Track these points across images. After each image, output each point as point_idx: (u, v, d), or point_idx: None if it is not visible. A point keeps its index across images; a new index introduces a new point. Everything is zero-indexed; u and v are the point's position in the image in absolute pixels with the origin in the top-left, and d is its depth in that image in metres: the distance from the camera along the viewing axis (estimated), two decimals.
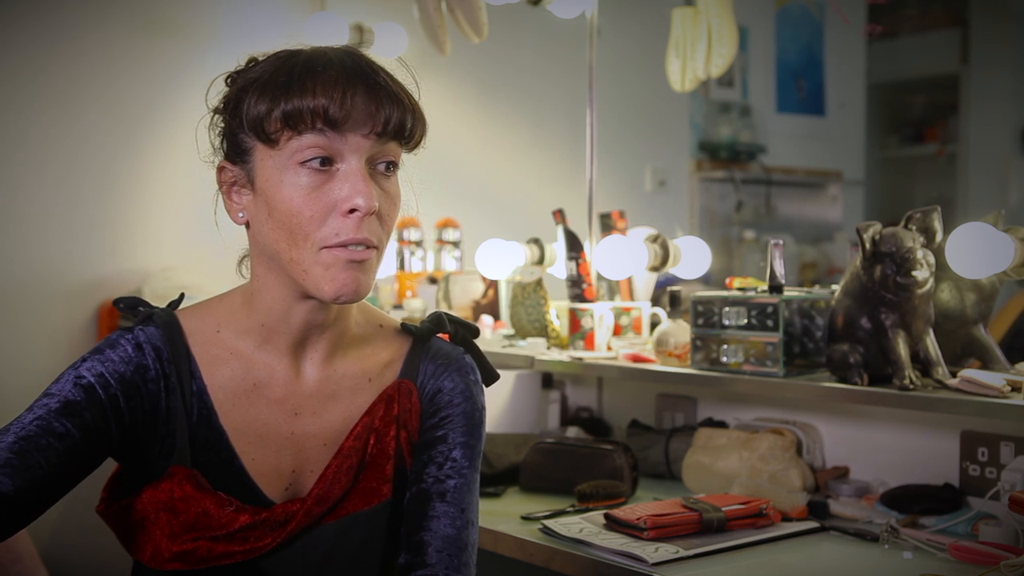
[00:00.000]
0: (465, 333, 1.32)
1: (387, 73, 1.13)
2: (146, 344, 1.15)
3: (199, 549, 1.14)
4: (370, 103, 1.09)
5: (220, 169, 1.16)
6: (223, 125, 1.16)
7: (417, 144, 1.18)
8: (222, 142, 1.16)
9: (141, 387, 1.14)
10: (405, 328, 1.30)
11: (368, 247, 1.12)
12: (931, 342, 1.79)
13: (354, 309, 1.25)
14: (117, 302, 1.22)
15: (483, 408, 1.32)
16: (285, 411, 1.20)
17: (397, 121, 1.11)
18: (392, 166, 1.15)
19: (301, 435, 1.20)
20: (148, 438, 1.15)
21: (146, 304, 1.21)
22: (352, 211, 1.09)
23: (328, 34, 3.20)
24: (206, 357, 1.18)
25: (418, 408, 1.26)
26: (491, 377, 1.35)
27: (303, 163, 1.09)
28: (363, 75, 1.10)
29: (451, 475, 1.25)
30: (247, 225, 1.17)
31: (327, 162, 1.10)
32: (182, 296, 1.26)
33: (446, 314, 1.33)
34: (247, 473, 1.18)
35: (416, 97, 1.16)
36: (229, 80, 1.16)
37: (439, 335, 1.31)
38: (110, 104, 2.98)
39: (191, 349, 1.18)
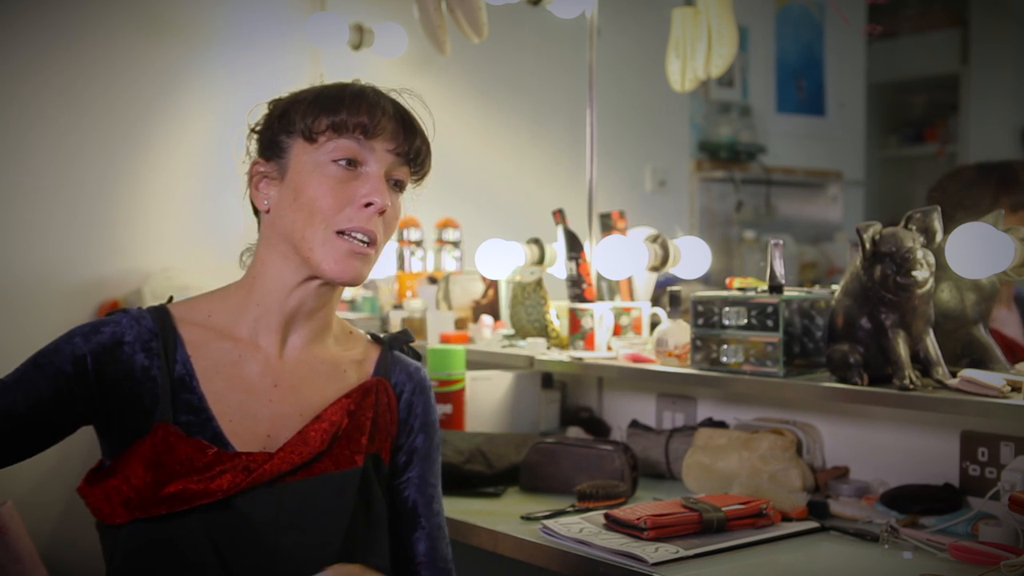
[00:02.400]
0: (412, 355, 1.51)
1: (415, 113, 1.38)
2: (127, 317, 1.32)
3: (183, 493, 1.25)
4: (399, 128, 1.35)
5: (254, 164, 1.37)
6: (262, 131, 1.37)
7: (422, 177, 1.41)
8: (259, 145, 1.38)
9: (115, 350, 1.29)
10: (374, 338, 1.48)
11: (370, 243, 1.32)
12: (931, 342, 1.79)
13: (336, 308, 1.42)
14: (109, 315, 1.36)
15: (436, 423, 1.50)
16: (265, 382, 1.35)
17: (416, 148, 1.36)
18: (399, 185, 1.37)
19: (278, 404, 1.35)
20: (121, 399, 1.29)
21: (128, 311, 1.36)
22: (368, 204, 1.31)
23: (328, 34, 3.20)
24: (193, 336, 1.34)
25: (395, 408, 1.43)
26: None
27: (335, 160, 1.31)
28: (398, 108, 1.37)
29: (434, 496, 1.46)
30: (267, 212, 1.36)
31: (354, 164, 1.32)
32: (171, 299, 1.40)
33: (407, 331, 1.54)
34: (223, 434, 1.30)
35: (431, 137, 1.39)
36: (272, 103, 1.38)
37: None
38: (110, 104, 2.98)
39: (178, 330, 1.33)
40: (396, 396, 1.44)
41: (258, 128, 1.39)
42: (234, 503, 1.27)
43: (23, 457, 1.28)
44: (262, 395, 1.34)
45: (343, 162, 1.31)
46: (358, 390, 1.39)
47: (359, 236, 1.31)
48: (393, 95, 1.38)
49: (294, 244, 1.32)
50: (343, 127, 1.32)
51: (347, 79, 1.39)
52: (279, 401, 1.35)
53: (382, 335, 1.49)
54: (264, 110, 1.39)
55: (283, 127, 1.35)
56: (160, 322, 1.32)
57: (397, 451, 1.44)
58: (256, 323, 1.35)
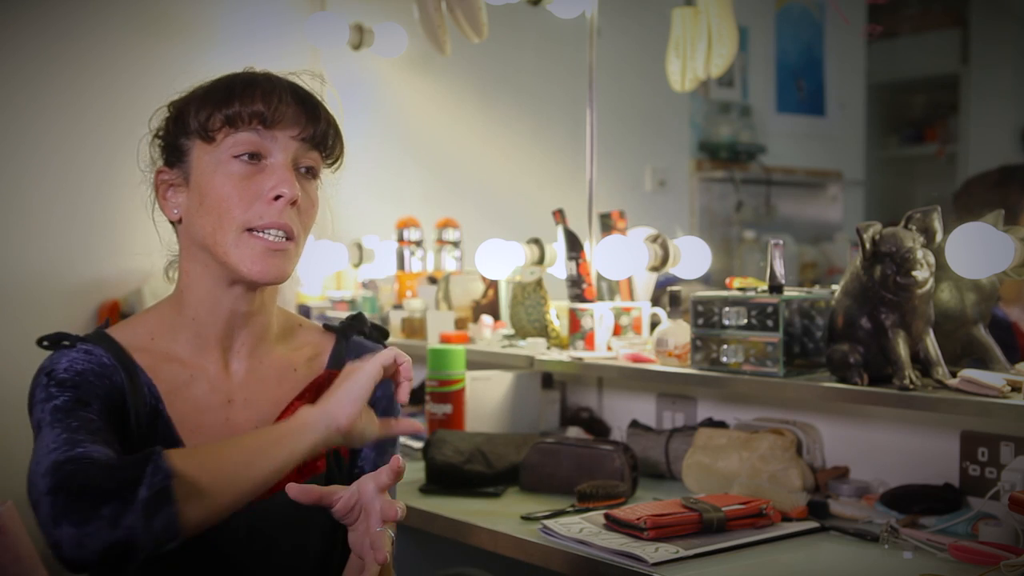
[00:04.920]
0: (378, 334, 1.47)
1: (316, 95, 1.32)
2: (93, 349, 1.27)
3: None
4: (299, 113, 1.28)
5: (158, 173, 1.33)
6: (163, 136, 1.33)
7: (337, 160, 1.36)
8: (162, 151, 1.33)
9: (105, 377, 1.24)
10: (328, 327, 1.45)
11: (287, 237, 1.26)
12: (931, 342, 1.79)
13: (275, 306, 1.38)
14: (40, 341, 1.29)
15: (398, 406, 1.42)
16: (218, 400, 1.32)
17: (320, 132, 1.30)
18: (311, 172, 1.31)
19: (235, 421, 1.32)
20: (115, 425, 1.23)
21: (68, 335, 1.29)
22: (277, 197, 1.25)
23: (328, 34, 3.20)
24: (145, 362, 1.30)
25: None
26: None
27: (236, 156, 1.26)
28: (295, 91, 1.30)
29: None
30: (179, 222, 1.32)
31: (257, 157, 1.26)
32: (107, 322, 1.36)
33: (365, 316, 1.49)
34: None
35: (339, 120, 1.33)
36: (170, 104, 1.34)
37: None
38: (110, 104, 2.98)
39: (131, 355, 1.29)
40: None
41: (159, 133, 1.34)
42: (204, 537, 1.18)
43: None
44: (218, 414, 1.31)
45: (245, 157, 1.26)
46: (310, 388, 1.36)
47: (272, 232, 1.25)
48: (292, 78, 1.32)
49: (210, 250, 1.27)
50: (238, 120, 1.25)
51: (239, 69, 1.34)
52: (235, 418, 1.32)
53: (337, 323, 1.45)
54: (164, 113, 1.34)
55: (180, 129, 1.30)
56: (112, 351, 1.28)
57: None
58: (195, 340, 1.32)
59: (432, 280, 2.99)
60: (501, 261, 2.64)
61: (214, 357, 1.33)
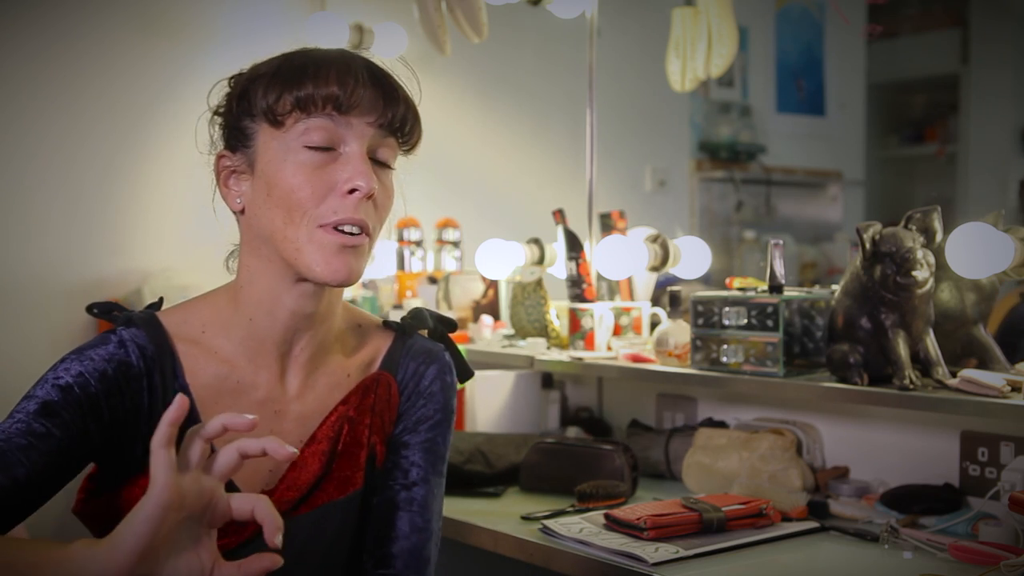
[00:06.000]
0: (443, 329, 1.36)
1: (394, 75, 1.19)
2: (129, 343, 1.16)
3: None
4: (377, 96, 1.15)
5: (219, 158, 1.19)
6: (225, 116, 1.19)
7: (414, 146, 1.23)
8: (223, 133, 1.20)
9: (123, 385, 1.14)
10: (387, 324, 1.33)
11: (362, 232, 1.15)
12: (931, 342, 1.79)
13: (340, 309, 1.27)
14: (90, 308, 1.22)
15: (453, 411, 1.34)
16: (267, 413, 1.21)
17: (400, 116, 1.17)
18: (388, 160, 1.19)
19: (280, 436, 1.20)
20: (131, 435, 1.16)
21: (120, 308, 1.21)
22: (352, 191, 1.13)
23: (328, 34, 3.20)
24: (190, 356, 1.19)
25: (396, 402, 1.29)
26: (466, 374, 1.37)
27: (308, 144, 1.13)
28: (373, 71, 1.16)
29: (417, 482, 1.28)
30: (241, 212, 1.19)
31: (330, 145, 1.14)
32: (161, 300, 1.26)
33: (427, 310, 1.37)
34: None
35: (417, 101, 1.20)
36: (233, 80, 1.20)
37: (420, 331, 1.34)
38: (110, 104, 2.98)
39: (175, 348, 1.19)
40: (399, 386, 1.29)
41: (219, 111, 1.20)
42: (235, 554, 1.15)
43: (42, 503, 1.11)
44: (263, 425, 1.18)
45: (319, 144, 1.13)
46: (356, 391, 1.26)
47: (347, 228, 1.13)
48: (366, 56, 1.19)
49: (277, 246, 1.15)
50: (311, 104, 1.13)
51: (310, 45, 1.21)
52: (280, 432, 1.21)
53: (398, 320, 1.33)
54: (225, 88, 1.21)
55: (244, 110, 1.16)
56: (156, 342, 1.17)
57: (394, 440, 1.29)
58: (248, 342, 1.20)
59: (432, 280, 2.99)
60: (501, 261, 2.64)
61: (268, 362, 1.21)
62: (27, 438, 1.07)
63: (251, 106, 1.15)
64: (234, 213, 1.21)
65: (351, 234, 1.14)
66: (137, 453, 1.16)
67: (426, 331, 1.35)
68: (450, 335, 1.37)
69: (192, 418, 1.17)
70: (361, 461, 1.24)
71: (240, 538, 1.17)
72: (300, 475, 1.21)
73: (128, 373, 1.15)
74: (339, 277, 1.14)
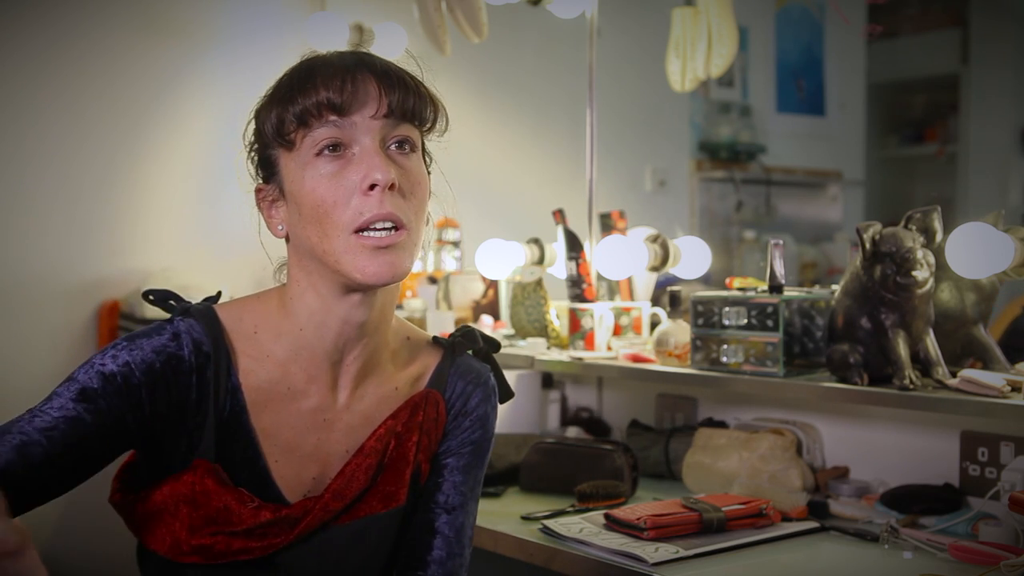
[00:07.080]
0: (488, 349, 1.36)
1: (387, 61, 1.18)
2: (185, 335, 1.16)
3: (217, 543, 1.15)
4: (371, 87, 1.14)
5: (257, 192, 1.21)
6: (253, 151, 1.21)
7: (434, 126, 1.22)
8: (256, 167, 1.21)
9: (170, 379, 1.14)
10: (436, 341, 1.33)
11: (396, 228, 1.13)
12: (931, 342, 1.79)
13: (392, 320, 1.27)
14: (147, 294, 1.22)
15: (493, 436, 1.35)
16: (316, 421, 1.21)
17: (400, 100, 1.15)
18: (406, 144, 1.17)
19: (327, 444, 1.22)
20: (174, 431, 1.15)
21: (177, 296, 1.21)
22: (372, 187, 1.12)
23: (328, 34, 3.20)
24: (244, 356, 1.19)
25: (444, 421, 1.29)
26: (507, 395, 1.38)
27: (319, 154, 1.13)
28: (361, 63, 1.15)
29: (456, 507, 1.29)
30: (287, 239, 1.20)
31: (340, 148, 1.13)
32: (219, 294, 1.27)
33: (477, 329, 1.36)
34: (270, 474, 1.18)
35: (422, 80, 1.20)
36: (253, 113, 1.21)
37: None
38: (110, 104, 2.98)
39: (232, 344, 1.19)
40: (446, 405, 1.29)
41: (252, 148, 1.22)
42: (274, 558, 1.17)
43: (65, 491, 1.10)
44: (311, 433, 1.20)
45: (327, 151, 1.13)
46: (406, 407, 1.25)
47: (379, 225, 1.12)
48: (359, 51, 1.19)
49: (320, 259, 1.14)
50: (309, 116, 1.13)
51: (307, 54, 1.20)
52: (328, 443, 1.21)
53: (448, 337, 1.34)
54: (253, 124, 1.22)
55: (262, 141, 1.19)
56: (212, 336, 1.17)
57: (438, 460, 1.30)
58: (299, 351, 1.19)
59: (432, 280, 2.99)
60: (501, 261, 2.64)
61: (320, 371, 1.21)
62: (55, 420, 1.06)
63: (264, 135, 1.17)
64: (282, 239, 1.22)
65: (383, 231, 1.12)
66: (180, 447, 1.16)
67: (472, 351, 1.35)
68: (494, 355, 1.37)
69: (241, 418, 1.17)
70: (406, 478, 1.24)
71: (287, 539, 1.17)
72: (347, 486, 1.21)
73: (177, 367, 1.14)
74: (382, 278, 1.13)
